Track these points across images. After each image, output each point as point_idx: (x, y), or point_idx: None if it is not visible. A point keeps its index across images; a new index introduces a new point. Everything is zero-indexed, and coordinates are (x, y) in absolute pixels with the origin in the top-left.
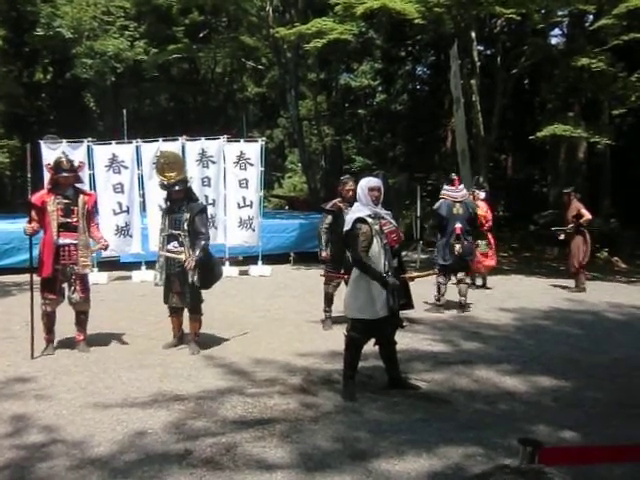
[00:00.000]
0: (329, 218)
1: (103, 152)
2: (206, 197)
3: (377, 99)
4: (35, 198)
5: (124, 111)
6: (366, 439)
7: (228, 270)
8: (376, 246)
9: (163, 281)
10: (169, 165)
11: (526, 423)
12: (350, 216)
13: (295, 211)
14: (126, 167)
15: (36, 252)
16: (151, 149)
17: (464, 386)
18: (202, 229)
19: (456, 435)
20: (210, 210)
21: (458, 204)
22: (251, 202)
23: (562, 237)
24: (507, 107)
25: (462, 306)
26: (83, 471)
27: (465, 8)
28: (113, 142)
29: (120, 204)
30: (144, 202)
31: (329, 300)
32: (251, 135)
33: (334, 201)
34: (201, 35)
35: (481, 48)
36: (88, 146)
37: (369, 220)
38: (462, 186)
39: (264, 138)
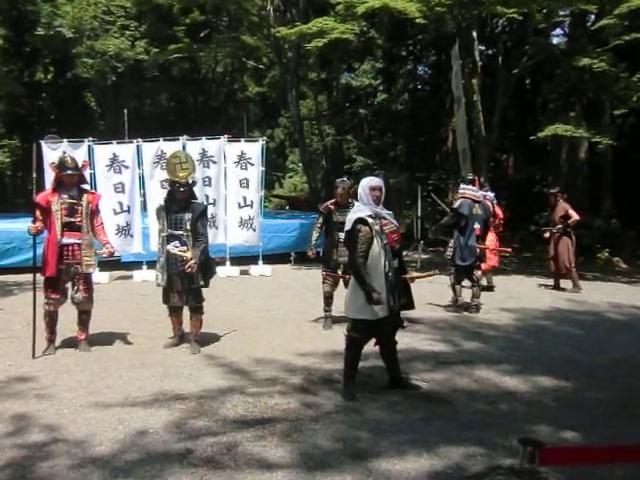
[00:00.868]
0: (320, 219)
1: (104, 152)
2: (207, 197)
3: (378, 99)
4: (40, 197)
5: (125, 111)
6: (366, 439)
7: (229, 270)
8: (376, 246)
9: (165, 281)
10: (181, 165)
11: (527, 423)
12: (351, 216)
13: (296, 211)
14: (127, 167)
15: (40, 251)
16: (152, 149)
17: (465, 386)
18: (202, 230)
19: (457, 435)
20: (211, 210)
21: (477, 204)
22: (252, 202)
23: (547, 235)
24: (508, 107)
25: (475, 307)
26: (84, 470)
27: (466, 8)
28: (114, 142)
29: (121, 204)
30: (145, 202)
31: (327, 299)
32: (252, 135)
33: (327, 203)
34: (202, 35)
35: (482, 48)
36: (89, 146)
37: (369, 220)
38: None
39: (265, 138)
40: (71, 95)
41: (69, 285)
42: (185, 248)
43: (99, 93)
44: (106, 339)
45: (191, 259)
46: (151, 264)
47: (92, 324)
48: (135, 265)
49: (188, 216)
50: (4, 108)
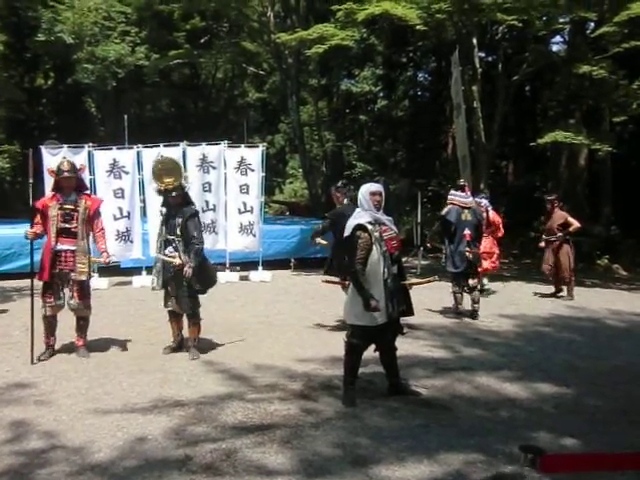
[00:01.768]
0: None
1: (104, 157)
2: (207, 202)
3: (378, 105)
4: (39, 202)
5: (125, 116)
6: (366, 445)
7: (229, 276)
8: (375, 253)
9: (160, 285)
10: (167, 171)
11: (527, 430)
12: (350, 222)
13: (296, 217)
14: (127, 172)
15: (39, 257)
16: (152, 154)
17: (465, 392)
18: (194, 233)
19: (457, 442)
20: (211, 216)
21: (467, 210)
22: (252, 208)
23: (542, 245)
24: (508, 114)
25: (474, 313)
26: (83, 477)
27: (467, 15)
28: (114, 147)
29: (121, 209)
30: (145, 207)
31: None
32: (252, 141)
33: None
34: (202, 41)
35: (482, 55)
36: (89, 151)
37: (369, 227)
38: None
39: (265, 144)
40: (71, 101)
41: (67, 290)
42: (176, 254)
43: (99, 99)
44: (105, 345)
45: (182, 265)
46: (150, 270)
47: (91, 330)
48: (135, 271)
49: (179, 221)
50: (4, 114)
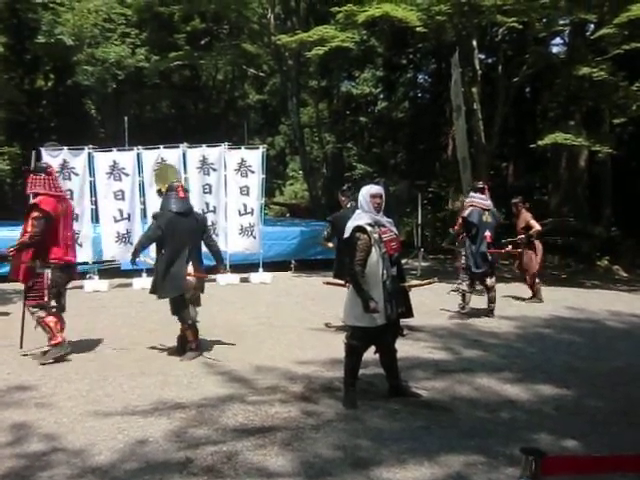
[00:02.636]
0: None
1: (104, 159)
2: (207, 204)
3: (378, 107)
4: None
5: (125, 118)
6: (367, 447)
7: (229, 277)
8: (374, 255)
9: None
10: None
11: (528, 431)
12: (350, 224)
13: (296, 218)
14: (127, 174)
15: None
16: (152, 156)
17: (465, 394)
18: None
19: (457, 443)
20: (211, 217)
21: (487, 212)
22: (252, 209)
23: (509, 248)
24: (508, 115)
25: (490, 312)
26: None
27: (467, 16)
28: (114, 149)
29: (121, 211)
30: (145, 209)
31: None
32: (252, 142)
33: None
34: (202, 42)
35: (482, 56)
36: (89, 153)
37: (368, 229)
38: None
39: (265, 145)
40: (71, 102)
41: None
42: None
43: (99, 100)
44: (105, 347)
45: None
46: (151, 272)
47: (92, 332)
48: (135, 273)
49: None
50: (4, 115)
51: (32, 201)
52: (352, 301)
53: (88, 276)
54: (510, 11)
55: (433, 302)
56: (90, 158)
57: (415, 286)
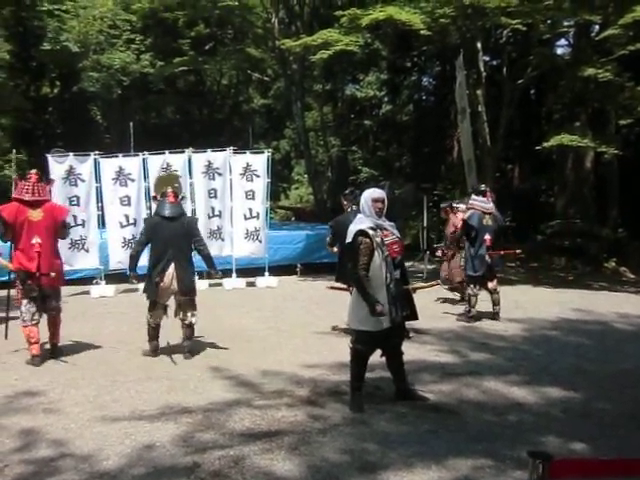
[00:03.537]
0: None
1: (110, 165)
2: (213, 209)
3: (383, 110)
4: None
5: (130, 124)
6: (374, 451)
7: (235, 282)
8: (377, 259)
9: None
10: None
11: (535, 434)
12: (352, 228)
13: (301, 222)
14: (133, 180)
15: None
16: (157, 161)
17: (472, 397)
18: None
19: (465, 447)
20: (217, 222)
21: (488, 215)
22: (258, 213)
23: (439, 253)
24: (513, 117)
25: (496, 315)
26: None
27: (471, 19)
28: (120, 155)
29: (127, 217)
30: (151, 215)
31: None
32: (257, 146)
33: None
34: (207, 47)
35: (487, 58)
36: (95, 159)
37: (370, 232)
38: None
39: (270, 149)
40: (77, 109)
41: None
42: None
43: (105, 106)
44: (112, 352)
45: None
46: None
47: (98, 337)
48: (141, 278)
49: None
50: (11, 122)
51: None
52: (356, 305)
53: (95, 282)
54: (514, 13)
55: (438, 305)
56: (96, 164)
57: (419, 288)
